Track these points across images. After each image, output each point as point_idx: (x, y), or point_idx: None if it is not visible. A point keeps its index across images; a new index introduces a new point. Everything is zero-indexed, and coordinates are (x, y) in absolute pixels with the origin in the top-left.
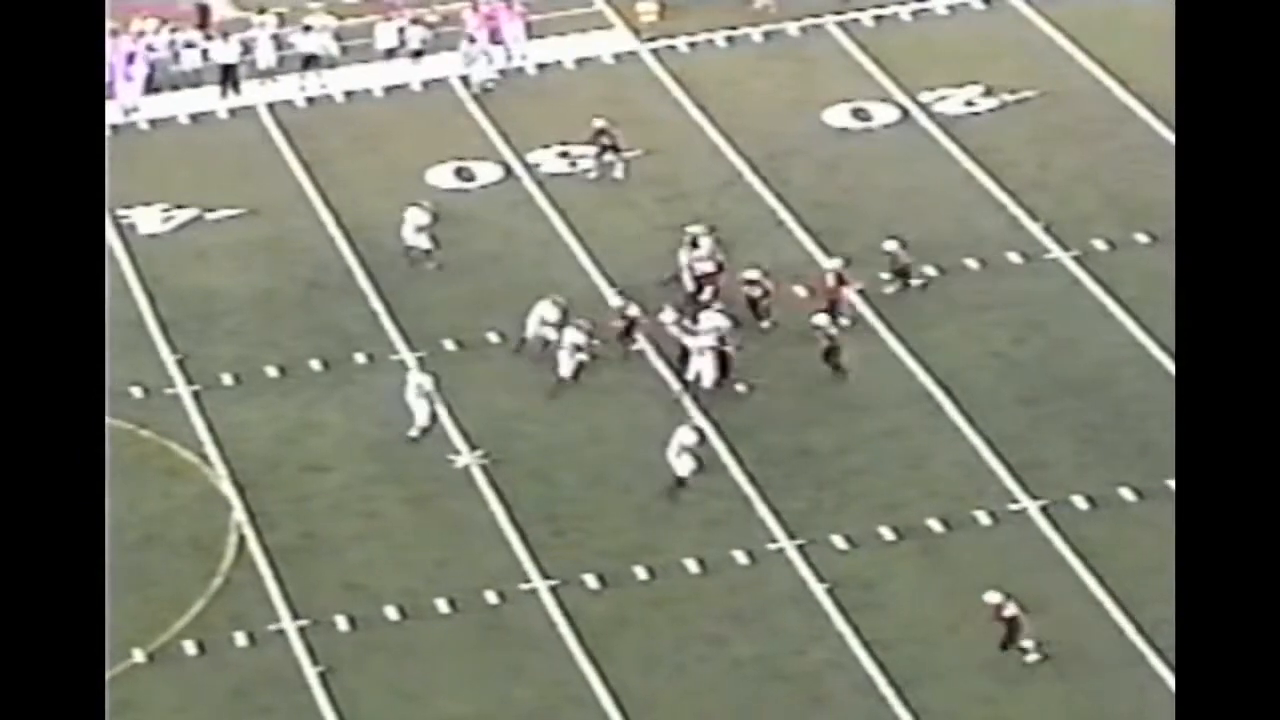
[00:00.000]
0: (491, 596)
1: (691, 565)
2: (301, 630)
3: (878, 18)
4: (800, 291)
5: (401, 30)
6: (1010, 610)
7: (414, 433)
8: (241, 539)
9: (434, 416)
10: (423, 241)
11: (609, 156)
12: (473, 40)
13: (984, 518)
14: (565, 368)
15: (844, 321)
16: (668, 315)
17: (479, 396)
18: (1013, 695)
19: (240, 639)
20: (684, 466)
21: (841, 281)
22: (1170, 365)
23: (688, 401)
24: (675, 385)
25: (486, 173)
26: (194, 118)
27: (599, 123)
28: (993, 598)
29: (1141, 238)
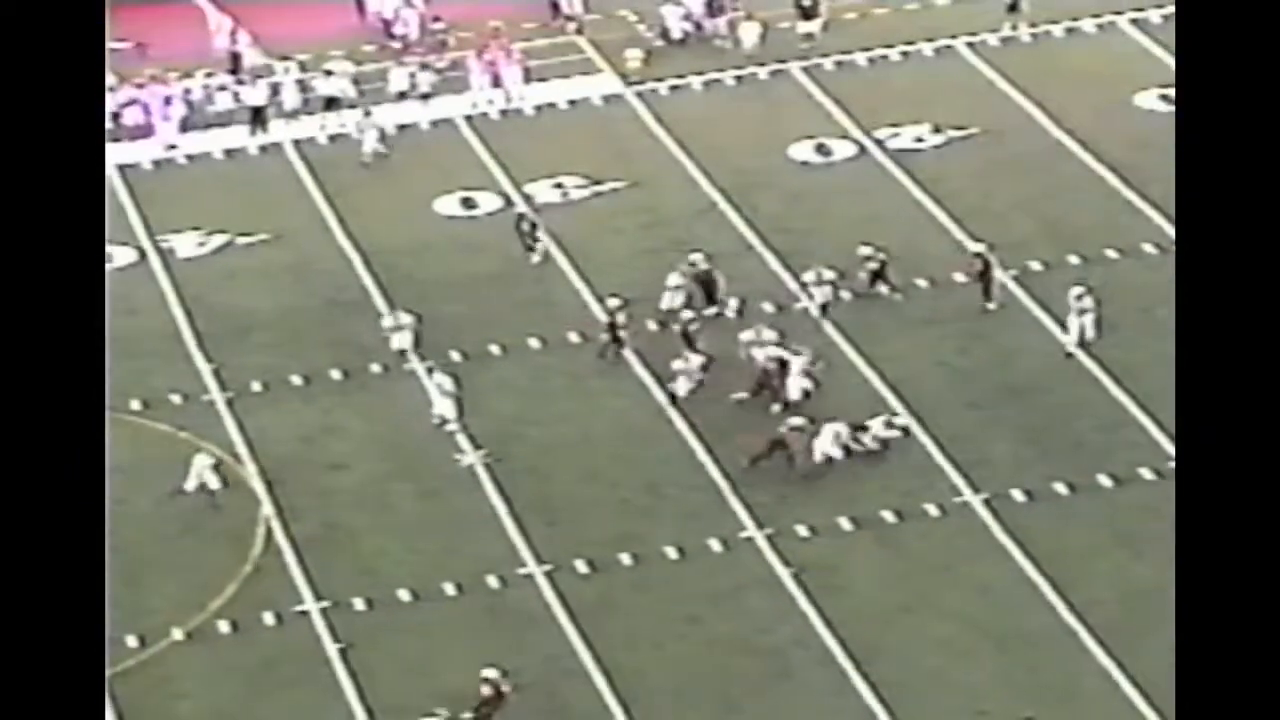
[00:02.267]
0: (493, 581)
1: (671, 552)
2: (323, 611)
3: (838, 63)
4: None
5: (412, 75)
6: (505, 687)
7: (436, 421)
8: (269, 530)
9: (461, 411)
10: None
11: (530, 238)
12: (368, 114)
13: (933, 509)
14: (794, 390)
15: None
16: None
17: (482, 402)
18: (959, 668)
19: (268, 619)
20: (796, 389)
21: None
22: (1098, 372)
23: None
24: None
25: (488, 202)
26: (227, 153)
27: (521, 208)
28: (490, 673)
29: (1073, 259)
